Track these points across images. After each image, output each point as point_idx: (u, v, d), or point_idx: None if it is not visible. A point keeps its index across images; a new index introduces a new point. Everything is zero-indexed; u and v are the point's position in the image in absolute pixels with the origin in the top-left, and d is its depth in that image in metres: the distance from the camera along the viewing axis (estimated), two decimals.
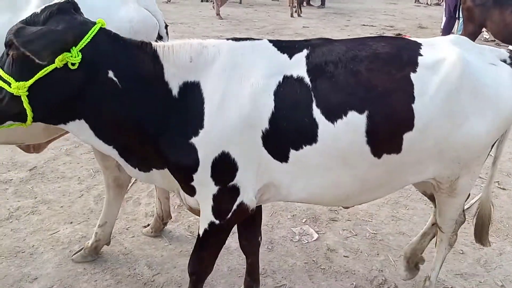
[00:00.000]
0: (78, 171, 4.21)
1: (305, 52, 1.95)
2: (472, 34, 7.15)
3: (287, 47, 1.99)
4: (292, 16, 15.13)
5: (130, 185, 3.97)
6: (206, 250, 2.15)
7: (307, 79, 1.87)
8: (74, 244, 3.15)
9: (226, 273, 2.94)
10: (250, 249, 2.52)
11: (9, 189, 3.84)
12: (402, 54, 1.96)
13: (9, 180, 3.99)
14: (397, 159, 1.95)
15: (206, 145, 1.86)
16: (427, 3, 21.27)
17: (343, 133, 1.85)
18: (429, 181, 2.18)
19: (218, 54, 1.92)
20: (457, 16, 7.73)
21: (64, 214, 3.52)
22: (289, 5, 15.61)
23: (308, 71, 1.89)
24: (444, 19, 10.40)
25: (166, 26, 2.67)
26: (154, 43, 1.94)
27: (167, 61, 1.88)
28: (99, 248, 3.00)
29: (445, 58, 1.95)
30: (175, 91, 1.88)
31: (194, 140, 1.86)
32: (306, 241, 3.31)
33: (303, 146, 1.87)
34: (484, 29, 7.73)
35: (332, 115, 1.84)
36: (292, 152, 1.89)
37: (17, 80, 1.71)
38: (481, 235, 2.52)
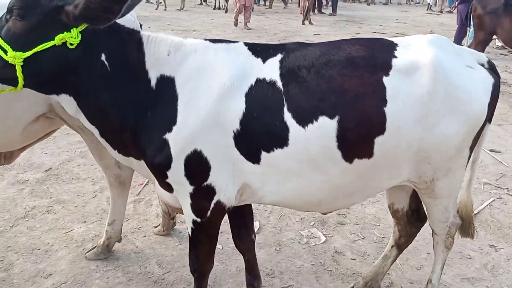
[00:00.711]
0: (92, 172, 4.32)
1: (279, 56, 1.97)
2: (483, 42, 7.17)
3: (262, 51, 2.01)
4: (303, 23, 15.27)
5: (142, 187, 4.08)
6: (199, 247, 2.19)
7: (279, 83, 1.89)
8: (88, 243, 3.24)
9: (235, 273, 3.00)
10: (244, 247, 2.56)
11: (26, 189, 3.96)
12: (376, 57, 1.96)
13: (25, 180, 4.11)
14: (370, 163, 1.95)
15: (178, 141, 1.88)
16: (439, 11, 21.26)
17: (314, 138, 1.86)
18: (404, 183, 2.18)
19: (194, 52, 1.96)
20: (468, 24, 7.73)
21: (78, 213, 3.63)
22: (301, 13, 15.76)
23: (281, 75, 1.91)
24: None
25: (141, 25, 2.71)
26: (142, 32, 2.00)
27: (148, 50, 1.93)
28: (111, 245, 3.08)
29: (418, 60, 1.95)
30: (153, 82, 1.92)
31: (167, 135, 1.89)
32: (314, 244, 3.36)
33: (274, 149, 1.89)
34: (495, 36, 7.73)
35: (303, 120, 1.86)
36: (264, 154, 1.91)
37: (14, 48, 1.74)
38: (464, 229, 2.55)
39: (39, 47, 1.75)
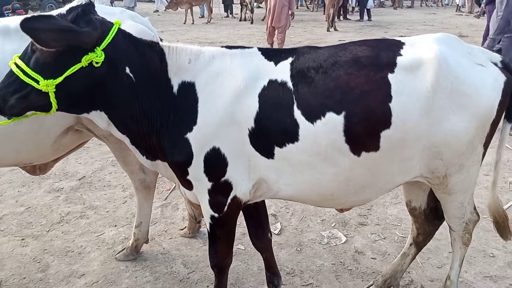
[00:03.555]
0: (122, 180, 4.53)
1: (290, 59, 2.09)
2: None
3: (274, 55, 2.14)
4: (328, 30, 15.31)
5: (169, 192, 4.25)
6: (217, 242, 2.30)
7: (289, 84, 2.02)
8: (118, 245, 3.42)
9: (256, 272, 3.10)
10: (261, 246, 2.67)
11: (61, 196, 4.21)
12: (381, 55, 2.04)
13: (61, 188, 4.37)
14: (377, 156, 2.03)
15: (198, 139, 2.02)
16: (469, 12, 20.79)
17: (322, 132, 1.97)
18: (418, 179, 2.22)
19: (212, 59, 2.11)
20: None
21: (109, 218, 3.83)
22: (326, 20, 15.82)
23: (291, 76, 2.03)
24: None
25: (161, 40, 2.85)
26: (161, 43, 2.15)
27: (171, 59, 2.08)
28: (139, 247, 3.25)
29: (422, 57, 2.01)
30: (175, 89, 2.07)
31: (188, 135, 2.03)
32: (334, 244, 3.41)
33: (286, 144, 2.01)
34: None
35: (312, 116, 1.97)
36: (277, 149, 2.03)
37: (44, 76, 1.84)
38: (502, 231, 2.53)
39: (68, 71, 1.86)
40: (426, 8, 22.77)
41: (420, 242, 2.76)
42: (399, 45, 2.11)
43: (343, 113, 1.97)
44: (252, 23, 17.90)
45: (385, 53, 2.06)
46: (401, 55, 2.05)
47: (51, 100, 1.91)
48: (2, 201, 4.09)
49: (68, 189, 4.34)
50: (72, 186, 4.41)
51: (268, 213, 2.77)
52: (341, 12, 18.85)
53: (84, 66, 1.89)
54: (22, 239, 3.49)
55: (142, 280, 3.04)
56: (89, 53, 1.89)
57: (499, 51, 5.24)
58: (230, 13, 20.97)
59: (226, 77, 2.07)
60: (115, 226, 3.71)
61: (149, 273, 3.11)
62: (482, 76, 2.06)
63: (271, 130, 2.02)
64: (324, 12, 17.43)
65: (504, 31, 5.45)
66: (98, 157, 5.12)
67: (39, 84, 1.86)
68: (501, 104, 2.09)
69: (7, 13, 11.77)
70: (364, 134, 2.00)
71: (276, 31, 11.19)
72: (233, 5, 21.04)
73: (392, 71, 2.00)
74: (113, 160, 4.98)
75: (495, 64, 2.14)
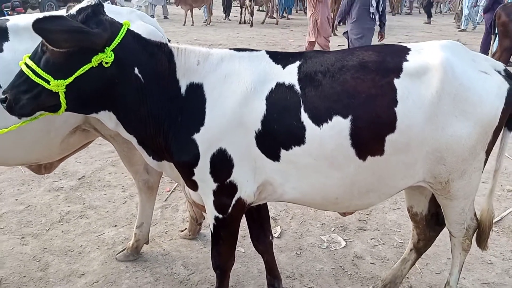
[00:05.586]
0: (122, 180, 4.53)
1: (297, 63, 2.13)
2: (509, 49, 7.07)
3: (282, 58, 2.18)
4: None
5: (169, 193, 4.26)
6: (220, 243, 2.32)
7: (297, 87, 2.06)
8: (118, 245, 3.43)
9: (256, 274, 3.11)
10: (262, 248, 2.70)
11: (61, 195, 4.20)
12: (388, 61, 2.08)
13: (60, 187, 4.36)
14: (382, 161, 2.06)
15: (205, 141, 2.06)
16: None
17: (328, 136, 2.01)
18: (420, 184, 2.25)
19: (221, 61, 2.14)
20: (493, 31, 7.65)
21: (109, 218, 3.83)
22: None
23: (299, 79, 2.07)
24: None
25: (169, 41, 2.87)
26: (169, 44, 2.17)
27: (179, 61, 2.11)
28: (139, 247, 3.25)
29: (428, 63, 2.06)
30: (183, 90, 2.10)
31: (195, 136, 2.06)
32: (334, 248, 3.43)
33: (293, 147, 2.04)
34: None
35: (319, 119, 2.01)
36: (283, 152, 2.06)
37: (55, 77, 1.87)
38: (479, 239, 2.57)
39: (78, 71, 1.89)
40: (424, 15, 22.88)
41: (420, 248, 2.78)
42: (406, 51, 2.15)
43: (349, 117, 2.00)
44: (251, 26, 17.92)
45: (392, 59, 2.10)
46: (407, 60, 2.09)
47: (61, 100, 1.93)
48: (2, 199, 4.08)
49: (67, 189, 4.34)
50: (72, 185, 4.41)
51: None
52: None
53: (94, 66, 1.92)
54: (22, 238, 3.48)
55: (143, 281, 3.04)
56: (99, 53, 1.91)
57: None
58: (227, 15, 20.92)
59: (234, 79, 2.10)
60: (115, 226, 3.71)
61: (150, 274, 3.11)
62: (486, 83, 2.10)
63: (278, 132, 2.05)
64: None
65: (343, 16, 7.10)
66: (97, 157, 5.12)
67: (49, 84, 1.88)
68: (504, 111, 2.13)
69: (6, 11, 11.71)
70: (369, 138, 2.03)
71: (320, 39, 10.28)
72: (231, 7, 21.02)
73: (398, 76, 2.04)
74: (113, 160, 4.99)
75: (499, 72, 2.18)
